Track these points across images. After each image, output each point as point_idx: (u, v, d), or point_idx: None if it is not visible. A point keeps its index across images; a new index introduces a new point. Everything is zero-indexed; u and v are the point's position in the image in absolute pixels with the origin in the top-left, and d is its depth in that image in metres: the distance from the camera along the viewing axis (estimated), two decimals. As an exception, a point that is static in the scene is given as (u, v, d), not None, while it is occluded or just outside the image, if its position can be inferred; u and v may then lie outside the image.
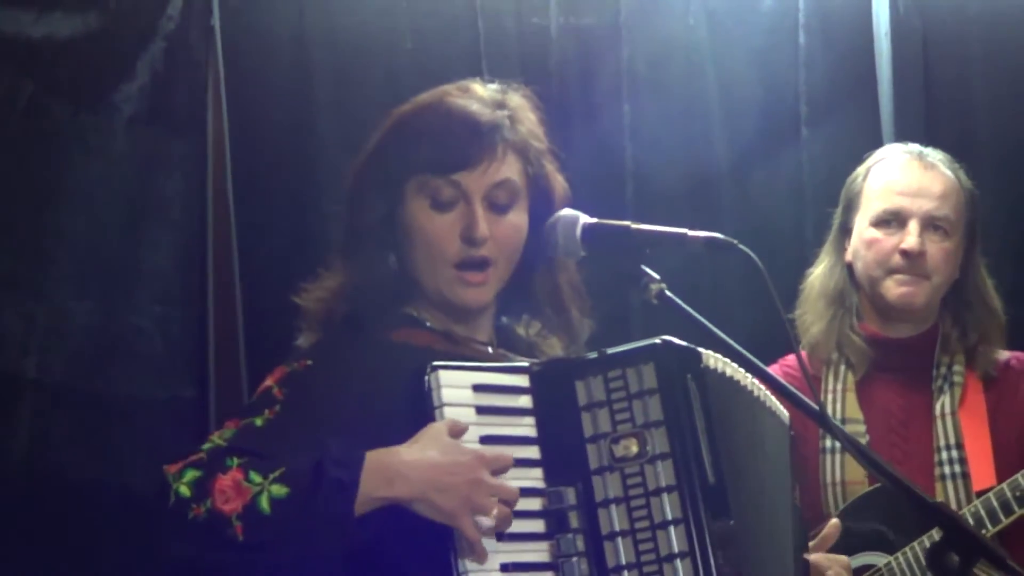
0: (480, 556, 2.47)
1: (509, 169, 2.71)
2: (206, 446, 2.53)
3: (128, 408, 3.84)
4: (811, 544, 2.91)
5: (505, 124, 2.72)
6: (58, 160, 3.88)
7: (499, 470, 2.50)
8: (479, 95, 2.75)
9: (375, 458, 2.47)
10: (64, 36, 3.87)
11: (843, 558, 2.94)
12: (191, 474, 2.48)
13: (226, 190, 4.05)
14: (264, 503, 2.43)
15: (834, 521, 2.98)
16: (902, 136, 4.34)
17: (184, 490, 2.46)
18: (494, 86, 2.78)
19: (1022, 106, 4.69)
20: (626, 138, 4.45)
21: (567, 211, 2.70)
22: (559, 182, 2.80)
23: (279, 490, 2.44)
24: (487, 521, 2.47)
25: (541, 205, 2.76)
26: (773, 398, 2.78)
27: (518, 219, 2.72)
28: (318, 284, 2.76)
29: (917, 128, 4.57)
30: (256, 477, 2.45)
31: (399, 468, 2.46)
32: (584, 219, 2.68)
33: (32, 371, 3.77)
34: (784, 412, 2.82)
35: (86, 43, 3.90)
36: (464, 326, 2.75)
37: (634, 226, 2.64)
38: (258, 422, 2.55)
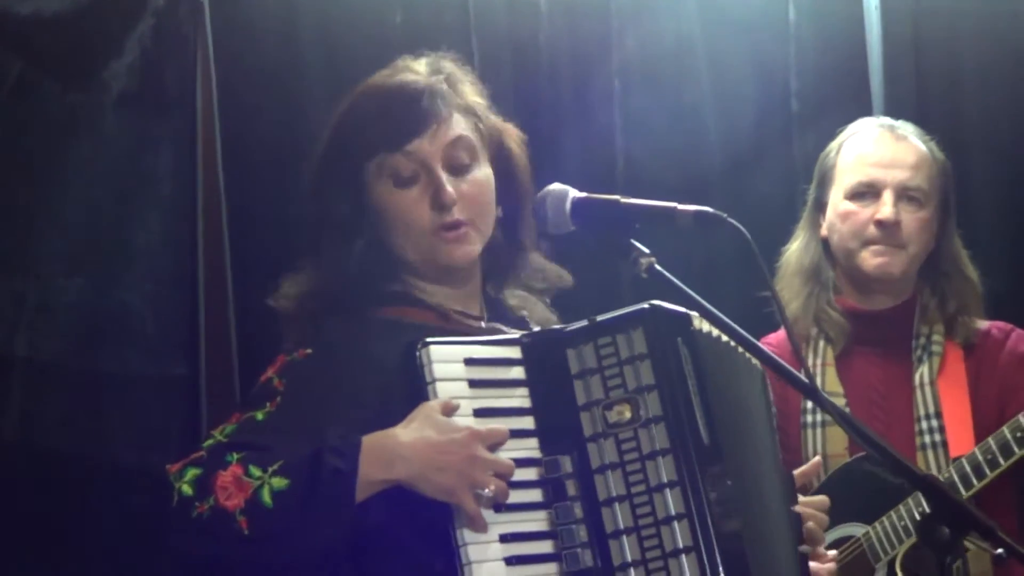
0: (480, 528, 2.48)
1: (459, 126, 2.74)
2: (207, 443, 2.56)
3: (119, 386, 3.84)
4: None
5: (443, 87, 2.74)
6: (47, 138, 3.86)
7: (495, 444, 2.52)
8: (412, 67, 2.78)
9: (372, 443, 2.49)
10: (52, 13, 3.86)
11: (820, 498, 2.96)
12: (192, 472, 2.51)
13: (216, 167, 4.04)
14: (266, 496, 2.46)
15: (816, 459, 3.02)
16: (893, 111, 4.34)
17: (187, 489, 2.49)
18: (424, 59, 2.81)
19: (1013, 81, 4.69)
20: (616, 114, 4.45)
21: (557, 186, 2.70)
22: (512, 131, 2.84)
23: (280, 483, 2.46)
24: (486, 494, 2.48)
25: (501, 159, 2.79)
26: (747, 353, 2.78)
27: (482, 174, 2.75)
28: (292, 281, 2.77)
29: (908, 102, 4.58)
30: (256, 471, 2.48)
31: (397, 450, 2.48)
32: (573, 193, 2.68)
33: (23, 349, 3.77)
34: (756, 361, 2.82)
35: (74, 20, 3.89)
36: (455, 295, 2.77)
37: (623, 200, 2.64)
38: (259, 416, 2.57)
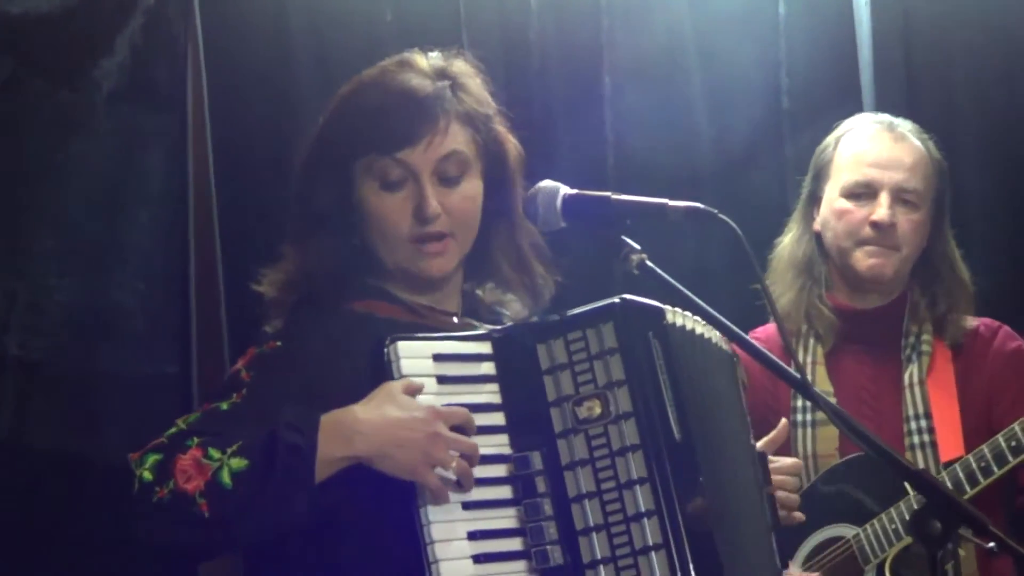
0: (443, 501, 2.46)
1: (454, 140, 2.70)
2: (169, 431, 2.54)
3: (111, 385, 3.84)
4: (759, 444, 2.94)
5: (446, 95, 2.71)
6: (38, 137, 3.86)
7: (457, 426, 2.50)
8: (419, 67, 2.74)
9: (331, 419, 2.48)
10: (42, 12, 3.85)
11: (789, 460, 2.98)
12: (152, 458, 2.49)
13: (207, 165, 4.03)
14: (225, 477, 2.44)
15: (783, 421, 3.03)
16: (883, 106, 4.34)
17: (147, 475, 2.48)
18: (436, 55, 2.78)
19: (1003, 74, 4.69)
20: (606, 108, 4.45)
21: (547, 182, 2.70)
22: (511, 143, 2.81)
23: (238, 463, 2.45)
24: (448, 475, 2.47)
25: (495, 169, 2.77)
26: (717, 333, 2.77)
27: (471, 188, 2.73)
28: (276, 268, 2.77)
29: (898, 96, 4.58)
30: (215, 453, 2.46)
31: (356, 426, 2.47)
32: (564, 190, 2.68)
33: (14, 348, 3.76)
34: (727, 346, 2.82)
35: (64, 19, 3.89)
36: (430, 296, 2.76)
37: (614, 196, 2.64)
38: (224, 406, 2.56)
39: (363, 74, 2.78)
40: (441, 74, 2.74)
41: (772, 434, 3.00)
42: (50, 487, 3.75)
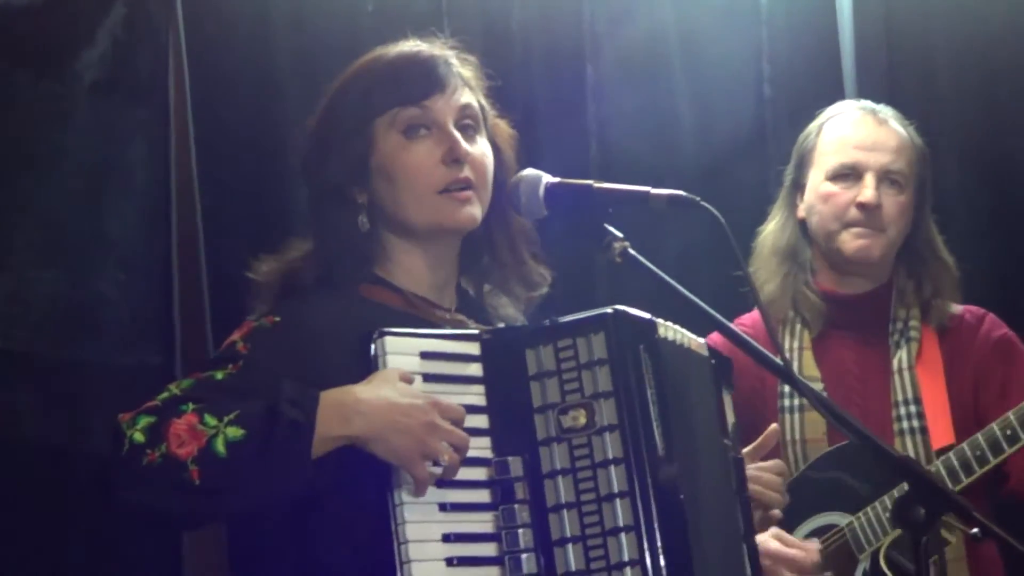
0: (421, 493, 2.46)
1: (469, 97, 2.74)
2: (161, 395, 2.52)
3: (94, 376, 3.83)
4: (745, 451, 2.92)
5: (454, 61, 2.76)
6: (20, 128, 3.85)
7: (450, 418, 2.50)
8: (416, 43, 2.79)
9: (331, 397, 2.47)
10: (23, 3, 3.84)
11: (772, 462, 2.98)
12: (145, 420, 2.46)
13: (189, 155, 4.03)
14: (220, 446, 2.42)
15: (773, 426, 3.02)
16: (865, 94, 4.35)
17: (138, 436, 2.44)
18: (426, 41, 2.82)
19: (985, 61, 4.70)
20: (589, 98, 4.46)
21: (530, 171, 2.70)
22: (502, 124, 2.84)
23: (235, 432, 2.43)
24: (436, 470, 2.47)
25: (493, 148, 2.78)
26: (692, 337, 2.76)
27: (485, 147, 2.74)
28: (275, 257, 2.76)
29: (880, 85, 4.58)
30: (211, 420, 2.44)
31: (356, 406, 2.46)
32: (547, 179, 2.68)
33: (-3, 340, 3.77)
34: (701, 343, 2.80)
35: (45, 10, 3.87)
36: (429, 282, 2.76)
37: (596, 185, 2.64)
38: (219, 375, 2.55)
39: (363, 57, 2.80)
40: (441, 47, 2.79)
41: (758, 440, 2.99)
42: (33, 478, 3.75)
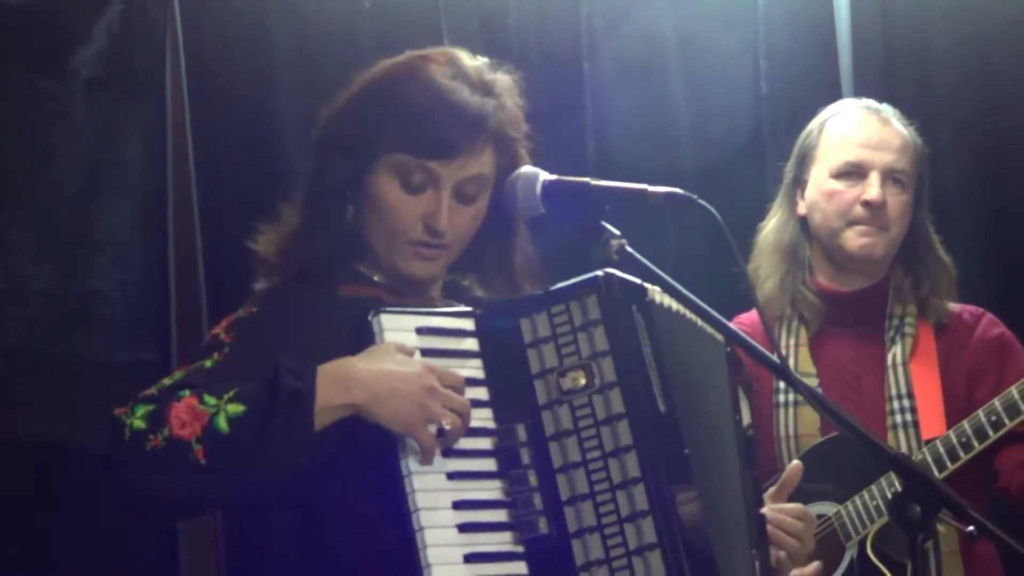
0: (428, 462, 2.47)
1: (483, 164, 2.70)
2: (157, 386, 2.52)
3: (91, 372, 3.83)
4: (771, 491, 2.94)
5: (490, 113, 2.69)
6: (16, 125, 3.85)
7: (449, 385, 2.50)
8: (467, 74, 2.71)
9: (329, 368, 2.48)
10: (19, 0, 3.84)
11: (794, 506, 2.96)
12: (143, 408, 2.46)
13: (186, 152, 4.03)
14: (222, 422, 2.42)
15: (795, 463, 3.01)
16: (861, 90, 4.35)
17: (138, 423, 2.44)
18: (483, 62, 2.76)
19: (981, 57, 4.70)
20: (586, 96, 4.46)
21: (527, 168, 2.70)
22: (526, 156, 2.79)
23: (235, 408, 2.43)
24: (443, 427, 2.47)
25: (502, 177, 2.75)
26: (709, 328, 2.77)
27: (481, 208, 2.73)
28: (274, 227, 2.76)
29: (876, 81, 4.59)
30: (211, 399, 2.44)
31: (354, 375, 2.47)
32: (544, 176, 2.68)
33: (-7, 337, 3.77)
34: (719, 336, 2.81)
35: (41, 7, 3.88)
36: (413, 286, 2.76)
37: (594, 182, 2.64)
38: (207, 363, 2.55)
39: (405, 60, 2.74)
40: (488, 89, 2.72)
41: (781, 479, 2.98)
42: (28, 475, 3.74)
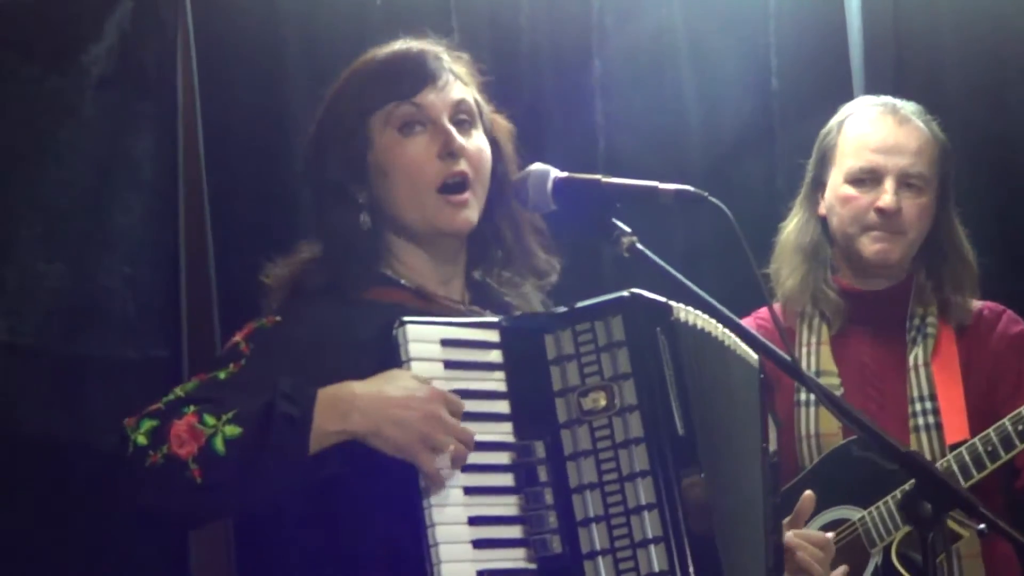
0: (439, 486, 2.47)
1: (463, 91, 2.75)
2: (166, 398, 2.55)
3: (101, 369, 3.83)
4: (785, 521, 2.91)
5: (445, 57, 2.77)
6: (27, 123, 3.86)
7: (454, 412, 2.50)
8: (407, 41, 2.80)
9: (328, 393, 2.48)
10: (30, -2, 3.85)
11: (818, 534, 2.95)
12: (148, 424, 2.50)
13: (197, 150, 4.03)
14: (219, 444, 2.44)
15: (807, 494, 2.98)
16: (872, 86, 4.34)
17: (141, 439, 2.48)
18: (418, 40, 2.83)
19: (991, 54, 4.69)
20: (596, 93, 4.45)
21: (538, 165, 2.70)
22: (501, 119, 2.84)
23: (232, 430, 2.45)
24: (443, 461, 2.46)
25: (491, 142, 2.78)
26: (743, 345, 2.77)
27: (481, 140, 2.75)
28: (287, 260, 2.77)
29: (887, 78, 4.58)
30: (210, 420, 2.47)
31: (353, 401, 2.47)
32: (555, 173, 2.68)
33: (3, 333, 3.76)
34: (753, 357, 2.82)
35: (53, 4, 3.88)
36: (438, 275, 2.76)
37: (604, 179, 2.64)
38: (221, 375, 2.57)
39: (357, 59, 2.81)
40: (429, 44, 2.80)
41: (796, 508, 2.97)
42: (38, 472, 3.75)
